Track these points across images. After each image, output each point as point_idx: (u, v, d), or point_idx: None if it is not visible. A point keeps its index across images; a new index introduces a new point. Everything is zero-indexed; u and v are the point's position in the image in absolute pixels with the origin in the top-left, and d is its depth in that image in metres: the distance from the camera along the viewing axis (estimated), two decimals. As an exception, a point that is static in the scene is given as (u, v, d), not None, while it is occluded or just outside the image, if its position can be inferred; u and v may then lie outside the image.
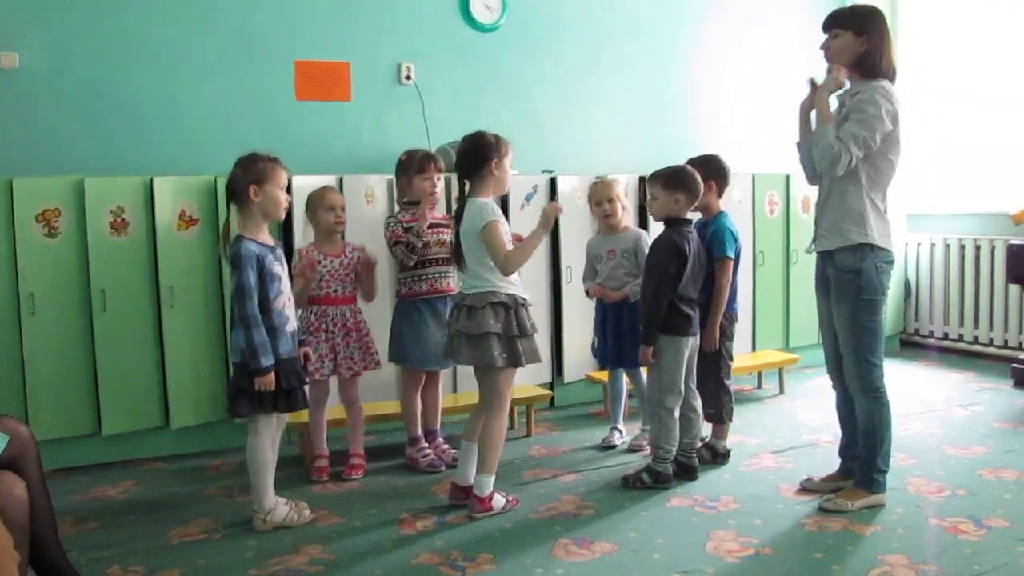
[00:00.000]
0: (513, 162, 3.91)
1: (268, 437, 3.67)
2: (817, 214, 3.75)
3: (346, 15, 5.64)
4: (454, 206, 4.53)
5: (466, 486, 3.85)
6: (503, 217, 3.77)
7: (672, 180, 4.02)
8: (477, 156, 3.77)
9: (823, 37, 3.65)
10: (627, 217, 4.72)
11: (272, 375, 3.54)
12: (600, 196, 4.57)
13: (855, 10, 3.65)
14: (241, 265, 3.51)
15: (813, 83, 3.69)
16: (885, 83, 3.53)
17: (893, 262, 3.64)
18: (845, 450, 3.93)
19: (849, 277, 3.56)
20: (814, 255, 3.83)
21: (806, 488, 3.93)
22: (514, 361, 3.73)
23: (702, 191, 4.11)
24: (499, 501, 3.81)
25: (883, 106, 3.46)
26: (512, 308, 3.72)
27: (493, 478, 3.79)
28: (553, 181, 5.47)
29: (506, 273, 3.70)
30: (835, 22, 3.60)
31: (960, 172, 6.87)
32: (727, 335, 4.37)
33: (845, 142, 3.44)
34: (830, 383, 3.93)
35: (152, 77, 5.15)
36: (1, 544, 2.21)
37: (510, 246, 3.71)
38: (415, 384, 4.46)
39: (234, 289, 3.53)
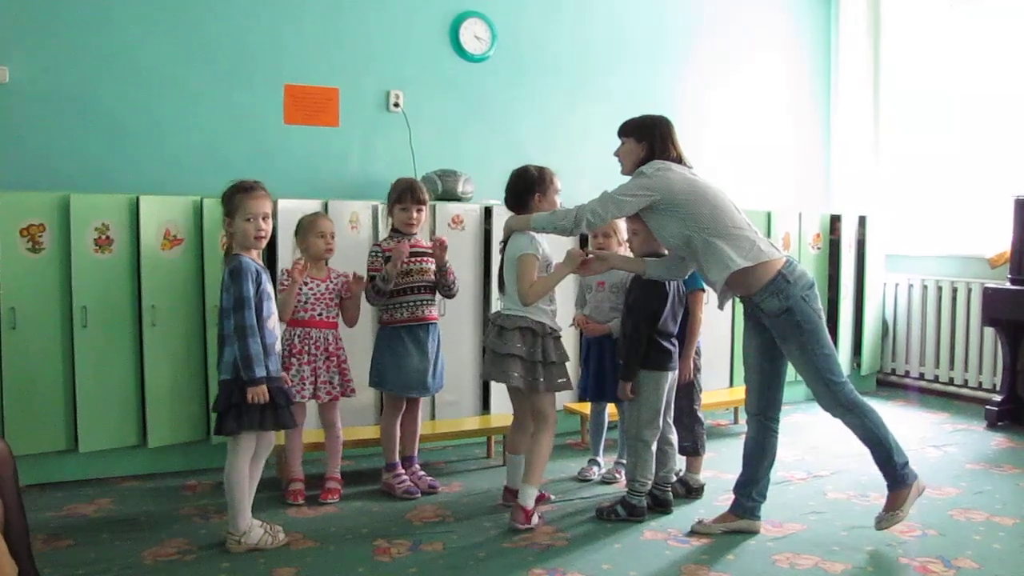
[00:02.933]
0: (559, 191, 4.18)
1: (248, 457, 3.67)
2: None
3: (336, 41, 5.70)
4: (437, 234, 4.59)
5: (515, 489, 4.05)
6: (543, 250, 4.00)
7: None
8: (520, 190, 4.09)
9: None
10: (622, 252, 4.70)
11: (265, 386, 3.57)
12: (603, 228, 4.51)
13: (638, 121, 3.99)
14: (242, 277, 3.56)
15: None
16: (648, 166, 3.84)
17: (813, 284, 3.71)
18: (741, 487, 3.93)
19: (784, 319, 3.62)
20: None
21: (696, 531, 3.91)
22: (532, 384, 3.92)
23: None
24: (535, 520, 3.93)
25: (629, 190, 3.78)
26: (540, 335, 3.94)
27: (535, 491, 3.93)
28: (537, 212, 5.51)
29: (526, 303, 3.94)
30: (621, 131, 4.01)
31: (939, 214, 6.97)
32: (696, 367, 4.42)
33: (586, 205, 3.80)
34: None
35: (141, 96, 5.19)
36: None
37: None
38: (396, 410, 4.47)
39: (232, 300, 3.56)
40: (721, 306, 3.92)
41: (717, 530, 3.88)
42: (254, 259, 3.68)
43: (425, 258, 4.43)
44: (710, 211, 3.69)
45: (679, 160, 3.89)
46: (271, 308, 3.71)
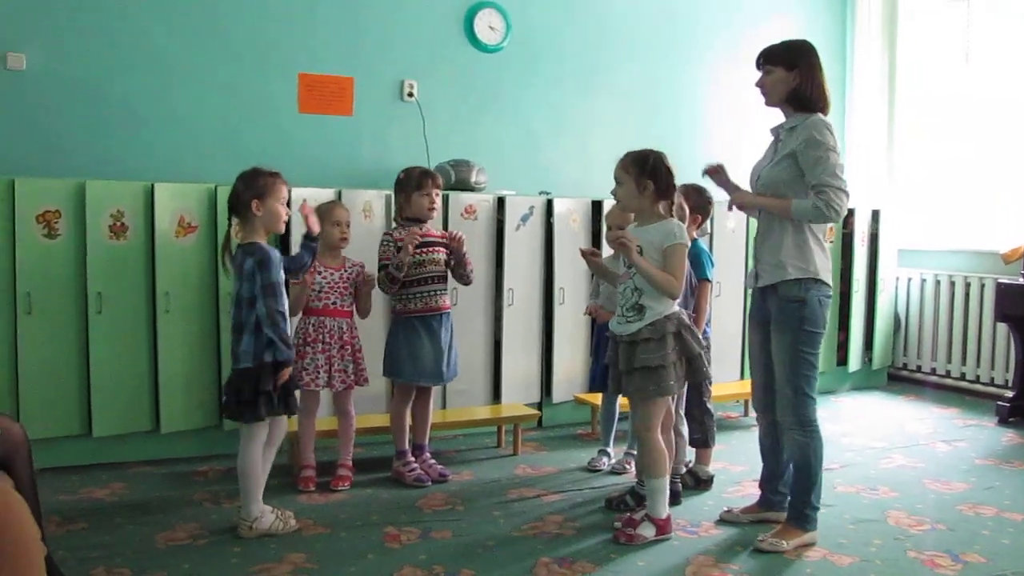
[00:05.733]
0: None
1: (261, 444, 3.70)
2: (758, 248, 3.76)
3: (352, 30, 5.71)
4: (450, 224, 4.59)
5: None
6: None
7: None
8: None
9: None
10: None
11: (290, 368, 3.67)
12: (620, 222, 4.32)
13: (787, 46, 3.64)
14: (270, 265, 3.61)
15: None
16: (819, 116, 3.57)
17: (830, 297, 3.65)
18: (766, 482, 3.91)
19: (794, 307, 3.54)
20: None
21: (725, 519, 3.91)
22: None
23: (687, 216, 4.11)
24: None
25: (828, 140, 3.50)
26: (617, 341, 3.71)
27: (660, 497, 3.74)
28: (550, 203, 5.53)
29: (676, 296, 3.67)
30: (767, 59, 3.64)
31: (953, 209, 6.95)
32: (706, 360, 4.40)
33: (826, 195, 3.44)
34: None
35: (157, 83, 5.22)
36: (30, 535, 2.23)
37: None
38: (405, 399, 4.49)
39: (262, 289, 3.58)
40: (748, 284, 3.83)
41: (745, 520, 3.88)
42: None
43: (437, 248, 4.44)
44: None
45: (827, 103, 3.61)
46: (285, 297, 3.74)
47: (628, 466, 4.62)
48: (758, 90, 3.71)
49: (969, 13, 6.79)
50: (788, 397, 3.60)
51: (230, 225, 3.75)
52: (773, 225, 3.64)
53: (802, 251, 3.56)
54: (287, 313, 3.73)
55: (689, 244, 3.67)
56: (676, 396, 4.10)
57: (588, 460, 4.81)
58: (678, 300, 3.68)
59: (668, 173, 3.67)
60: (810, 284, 3.55)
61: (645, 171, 3.62)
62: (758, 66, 3.68)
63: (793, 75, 3.58)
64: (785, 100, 3.63)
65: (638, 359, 3.57)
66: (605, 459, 4.77)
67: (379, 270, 4.36)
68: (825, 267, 3.60)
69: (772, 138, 3.77)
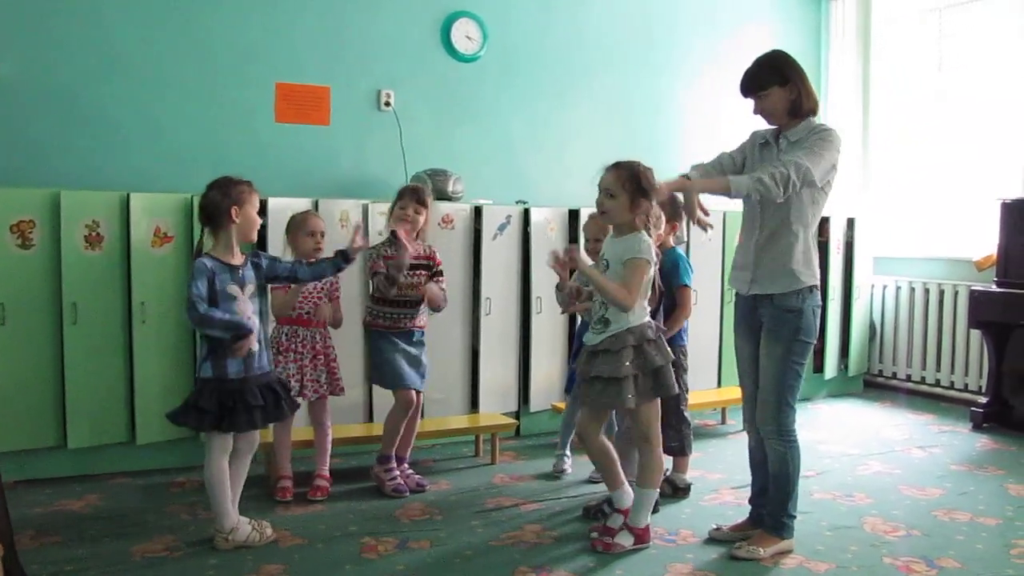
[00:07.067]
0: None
1: (223, 454, 3.66)
2: (756, 254, 3.64)
3: (328, 40, 5.71)
4: (427, 235, 4.58)
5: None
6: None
7: None
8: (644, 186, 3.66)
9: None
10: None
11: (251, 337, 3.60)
12: (599, 234, 4.31)
13: (769, 63, 3.59)
14: (193, 276, 3.56)
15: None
16: (825, 124, 3.57)
17: (820, 305, 3.65)
18: (757, 497, 3.84)
19: (789, 317, 3.52)
20: (732, 294, 3.75)
21: (714, 537, 3.84)
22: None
23: (663, 223, 4.11)
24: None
25: (834, 147, 3.50)
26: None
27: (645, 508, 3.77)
28: (527, 212, 5.54)
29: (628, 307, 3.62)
30: (759, 84, 3.58)
31: (926, 217, 7.01)
32: (682, 367, 4.40)
33: (786, 167, 3.35)
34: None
35: (132, 93, 5.20)
36: None
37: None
38: (406, 409, 4.41)
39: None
40: (740, 289, 3.73)
41: (735, 537, 3.78)
42: (229, 258, 3.65)
43: (417, 272, 4.40)
44: (820, 210, 3.61)
45: (817, 105, 3.60)
46: (234, 308, 3.62)
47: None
48: (759, 117, 3.65)
49: (942, 22, 6.86)
50: (771, 406, 3.58)
51: (203, 234, 3.72)
52: (779, 230, 3.57)
53: (807, 259, 3.55)
54: (257, 320, 3.69)
55: (652, 260, 3.61)
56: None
57: (552, 465, 4.83)
58: (647, 310, 3.67)
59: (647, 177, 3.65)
60: (806, 293, 3.54)
61: (640, 189, 3.57)
62: (749, 94, 3.62)
63: (789, 88, 3.53)
64: (788, 115, 3.58)
65: (595, 369, 3.60)
66: (567, 460, 4.80)
67: (372, 276, 4.34)
68: (817, 273, 3.62)
69: (763, 144, 3.71)
